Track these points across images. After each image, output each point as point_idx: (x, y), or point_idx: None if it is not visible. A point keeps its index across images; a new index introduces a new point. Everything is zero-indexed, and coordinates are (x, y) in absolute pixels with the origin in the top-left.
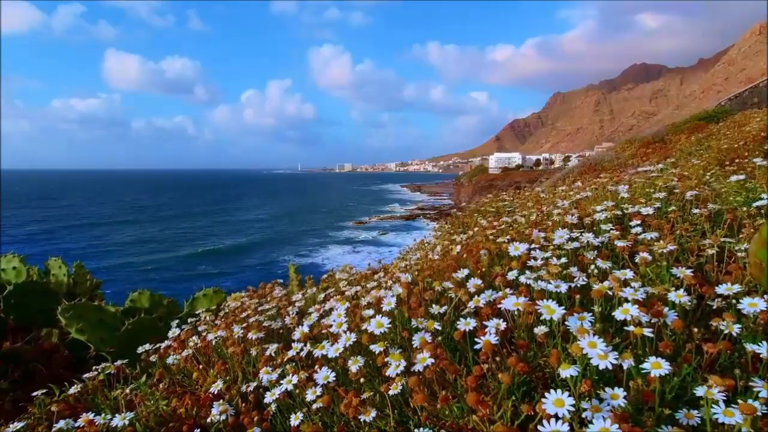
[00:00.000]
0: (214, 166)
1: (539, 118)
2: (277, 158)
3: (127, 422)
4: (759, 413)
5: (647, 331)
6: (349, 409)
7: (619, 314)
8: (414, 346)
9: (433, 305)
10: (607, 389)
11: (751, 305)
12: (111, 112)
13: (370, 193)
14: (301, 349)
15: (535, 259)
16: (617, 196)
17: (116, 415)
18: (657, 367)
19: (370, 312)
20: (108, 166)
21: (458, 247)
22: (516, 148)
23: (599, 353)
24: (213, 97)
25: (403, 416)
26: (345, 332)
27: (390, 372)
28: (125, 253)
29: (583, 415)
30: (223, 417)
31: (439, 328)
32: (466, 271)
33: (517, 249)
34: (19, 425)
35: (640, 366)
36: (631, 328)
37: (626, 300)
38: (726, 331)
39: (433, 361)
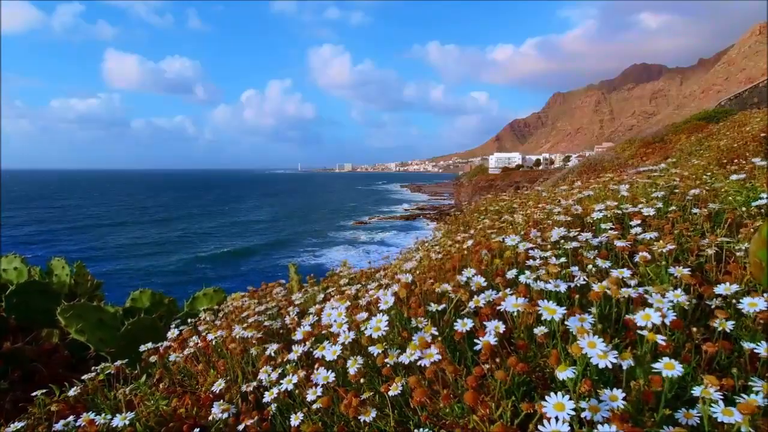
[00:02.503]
0: (213, 166)
1: (539, 118)
2: (277, 158)
3: (127, 422)
4: (762, 405)
5: (644, 332)
6: (349, 409)
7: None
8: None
9: (432, 304)
10: (606, 390)
11: (751, 305)
12: (111, 111)
13: (371, 193)
14: (303, 347)
15: (534, 258)
16: (618, 195)
17: (116, 415)
18: (670, 367)
19: (365, 315)
20: (108, 165)
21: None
22: (516, 148)
23: (599, 353)
24: (213, 96)
25: (403, 416)
26: (345, 331)
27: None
28: (125, 255)
29: (583, 416)
30: (225, 415)
31: (436, 333)
32: (465, 271)
33: (513, 240)
34: (19, 425)
35: (652, 366)
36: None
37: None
38: (719, 329)
39: (440, 357)
